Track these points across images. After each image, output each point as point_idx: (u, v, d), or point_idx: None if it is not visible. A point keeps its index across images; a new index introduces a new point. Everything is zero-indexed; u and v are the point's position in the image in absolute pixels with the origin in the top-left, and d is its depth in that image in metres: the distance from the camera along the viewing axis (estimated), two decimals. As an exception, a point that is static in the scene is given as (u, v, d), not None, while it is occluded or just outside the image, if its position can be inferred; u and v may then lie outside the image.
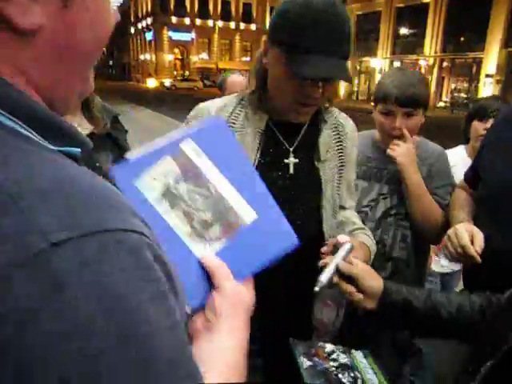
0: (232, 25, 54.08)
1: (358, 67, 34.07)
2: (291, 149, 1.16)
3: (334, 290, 0.97)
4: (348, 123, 1.27)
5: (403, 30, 30.06)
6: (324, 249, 1.06)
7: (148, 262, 0.35)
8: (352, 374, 0.87)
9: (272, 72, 1.09)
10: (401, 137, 1.52)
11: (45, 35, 0.39)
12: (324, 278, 0.91)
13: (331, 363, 0.89)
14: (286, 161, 1.15)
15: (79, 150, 0.42)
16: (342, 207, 1.28)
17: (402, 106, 1.50)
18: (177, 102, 21.41)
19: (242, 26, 54.67)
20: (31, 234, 0.30)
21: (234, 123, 1.14)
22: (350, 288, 0.94)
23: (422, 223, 1.52)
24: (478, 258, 1.15)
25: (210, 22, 52.57)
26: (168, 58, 52.47)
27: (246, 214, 0.67)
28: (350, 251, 0.96)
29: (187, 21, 51.13)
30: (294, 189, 1.16)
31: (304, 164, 1.17)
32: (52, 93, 0.43)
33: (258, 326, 1.03)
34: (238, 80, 2.39)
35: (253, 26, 55.27)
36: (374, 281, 0.95)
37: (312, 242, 1.14)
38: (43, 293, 0.29)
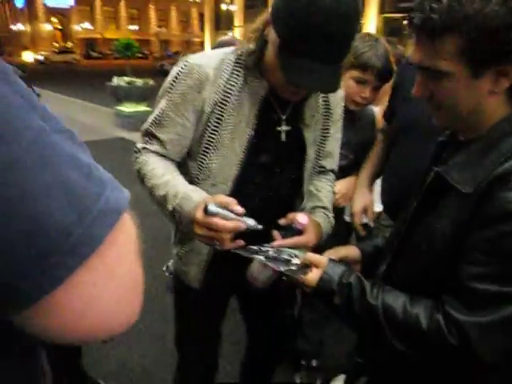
0: (115, -9, 50.50)
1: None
2: (284, 117, 1.16)
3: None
4: None
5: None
6: (282, 221, 1.13)
7: None
8: (285, 254, 1.06)
9: (269, 51, 1.04)
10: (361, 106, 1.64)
11: None
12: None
13: (269, 253, 1.06)
14: (278, 128, 1.16)
15: None
16: (322, 167, 1.33)
17: (379, 79, 1.56)
18: (54, 77, 19.53)
19: (127, -9, 51.34)
20: None
21: (232, 85, 1.11)
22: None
23: None
24: (362, 233, 1.75)
25: (90, -12, 48.52)
26: (45, 27, 47.51)
27: None
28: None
29: (63, -14, 46.59)
30: (285, 154, 1.20)
31: (294, 130, 1.18)
32: None
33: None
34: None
35: (138, -8, 52.15)
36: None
37: (292, 197, 1.29)
38: None
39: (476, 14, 0.72)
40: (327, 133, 1.26)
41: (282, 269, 0.99)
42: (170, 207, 1.06)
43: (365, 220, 1.77)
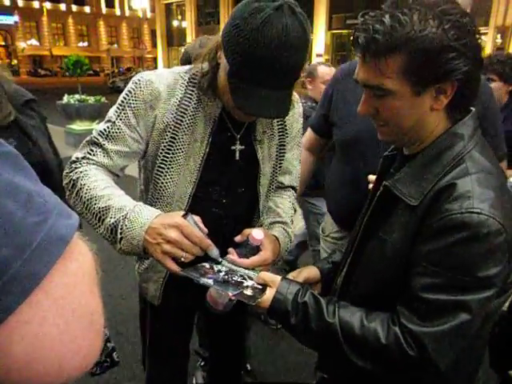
0: (62, 7, 49.24)
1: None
2: (238, 136, 1.16)
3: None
4: (294, 100, 1.24)
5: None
6: (237, 238, 1.12)
7: None
8: (237, 275, 1.03)
9: (221, 73, 1.04)
10: None
11: None
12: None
13: (220, 274, 1.03)
14: (232, 148, 1.17)
15: None
16: (281, 183, 1.34)
17: None
18: None
19: (74, 8, 50.18)
20: None
21: (187, 105, 1.11)
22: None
23: None
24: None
25: (36, 4, 47.04)
26: (-12, 44, 45.54)
27: None
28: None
29: (6, 1, 44.87)
30: (240, 173, 1.20)
31: (248, 148, 1.19)
32: None
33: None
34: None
35: (86, 9, 51.19)
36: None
37: (249, 215, 1.28)
38: None
39: (416, 36, 0.75)
40: (283, 149, 1.27)
41: (230, 293, 0.94)
42: (111, 220, 0.99)
43: None
